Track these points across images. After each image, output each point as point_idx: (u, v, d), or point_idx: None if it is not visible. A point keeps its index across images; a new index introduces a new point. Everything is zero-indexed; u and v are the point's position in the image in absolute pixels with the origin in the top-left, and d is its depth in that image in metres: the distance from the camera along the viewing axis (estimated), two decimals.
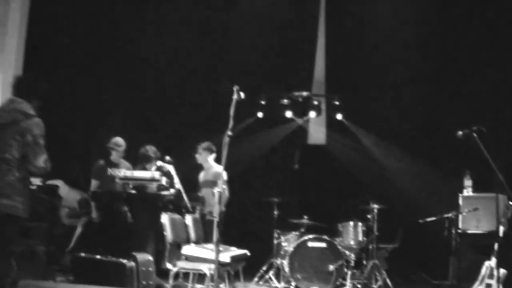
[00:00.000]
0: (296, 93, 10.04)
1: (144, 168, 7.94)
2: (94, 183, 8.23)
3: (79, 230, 8.22)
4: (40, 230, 7.77)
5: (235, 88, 5.20)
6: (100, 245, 7.17)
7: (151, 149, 7.95)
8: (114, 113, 9.73)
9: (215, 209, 5.13)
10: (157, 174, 7.30)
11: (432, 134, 9.60)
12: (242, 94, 5.26)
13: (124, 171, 7.50)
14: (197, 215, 7.62)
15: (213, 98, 9.78)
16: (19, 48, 8.83)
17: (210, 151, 8.31)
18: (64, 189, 8.63)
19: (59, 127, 8.25)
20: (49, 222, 7.98)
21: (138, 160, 7.99)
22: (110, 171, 7.68)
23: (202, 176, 8.47)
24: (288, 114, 10.26)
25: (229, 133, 5.00)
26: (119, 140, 8.21)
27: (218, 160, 7.99)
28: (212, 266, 5.39)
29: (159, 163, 7.90)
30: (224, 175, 7.37)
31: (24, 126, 4.86)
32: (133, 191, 7.65)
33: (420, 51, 9.87)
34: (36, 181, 7.68)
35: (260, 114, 10.19)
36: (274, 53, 10.18)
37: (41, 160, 4.87)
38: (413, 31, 9.92)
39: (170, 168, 7.70)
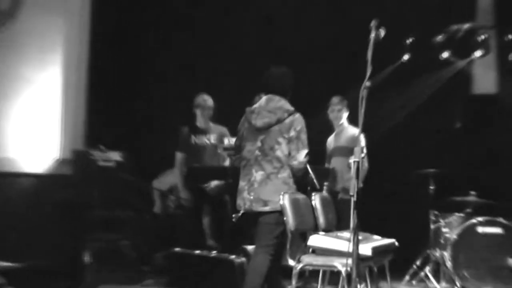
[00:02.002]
0: (455, 27, 9.56)
1: None
2: (179, 157, 7.96)
3: (206, 221, 8.19)
4: (126, 221, 7.97)
5: (373, 23, 4.86)
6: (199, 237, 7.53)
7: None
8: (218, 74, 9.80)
9: (351, 185, 4.77)
10: None
11: None
12: (382, 32, 4.88)
13: (229, 139, 7.33)
14: (326, 193, 7.27)
15: (345, 38, 9.39)
16: None
17: (345, 107, 8.09)
18: None
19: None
20: (136, 210, 8.17)
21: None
22: (195, 139, 7.84)
23: (332, 141, 8.29)
24: (445, 55, 9.91)
25: (367, 83, 4.66)
26: (204, 96, 7.99)
27: (353, 121, 7.94)
28: (349, 261, 4.99)
29: None
30: (362, 140, 7.32)
31: (288, 122, 5.83)
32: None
33: None
34: (113, 156, 7.93)
35: (406, 57, 9.90)
36: None
37: (303, 155, 5.81)
38: None
39: None
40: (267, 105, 5.89)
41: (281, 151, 5.81)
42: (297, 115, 5.86)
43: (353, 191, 4.74)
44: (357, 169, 4.80)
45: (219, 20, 9.86)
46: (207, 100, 7.95)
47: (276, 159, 5.81)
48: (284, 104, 5.89)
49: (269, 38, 9.90)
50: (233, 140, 6.95)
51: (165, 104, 9.51)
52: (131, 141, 8.81)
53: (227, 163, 7.71)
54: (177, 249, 6.98)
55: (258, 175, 5.82)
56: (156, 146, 9.26)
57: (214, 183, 7.74)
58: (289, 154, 5.84)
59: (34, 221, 7.88)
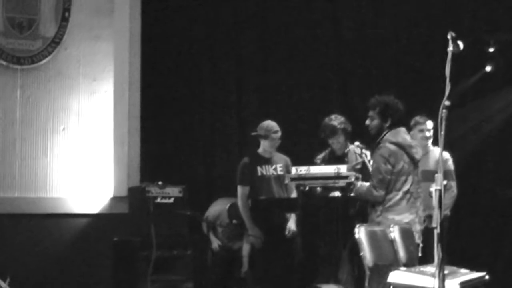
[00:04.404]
0: None
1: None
2: (241, 191, 7.92)
3: (246, 248, 8.19)
4: (185, 260, 7.88)
5: (450, 35, 4.81)
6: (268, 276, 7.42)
7: (338, 119, 7.65)
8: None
9: (434, 215, 4.69)
10: (343, 168, 6.91)
11: None
12: (460, 44, 4.82)
13: (297, 168, 7.18)
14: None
15: (421, 55, 9.44)
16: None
17: (432, 127, 8.04)
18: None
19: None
20: (196, 248, 8.10)
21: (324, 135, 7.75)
22: (261, 170, 7.81)
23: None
24: None
25: (446, 102, 4.59)
26: (271, 124, 7.89)
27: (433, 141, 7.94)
28: None
29: (352, 147, 7.58)
30: (451, 163, 7.55)
31: None
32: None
33: None
34: (171, 191, 7.86)
35: (489, 68, 9.80)
36: None
37: None
38: None
39: (365, 156, 7.33)
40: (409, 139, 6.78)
41: None
42: None
43: (436, 222, 4.72)
44: (440, 197, 4.76)
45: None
46: (277, 129, 7.91)
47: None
48: None
49: (337, 57, 9.93)
50: (301, 170, 7.13)
51: (228, 132, 9.52)
52: (191, 174, 8.86)
53: (294, 194, 7.77)
54: None
55: (421, 207, 6.60)
56: (216, 178, 9.31)
57: (292, 227, 7.82)
58: None
59: (88, 264, 8.07)
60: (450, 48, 4.83)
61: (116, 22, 8.62)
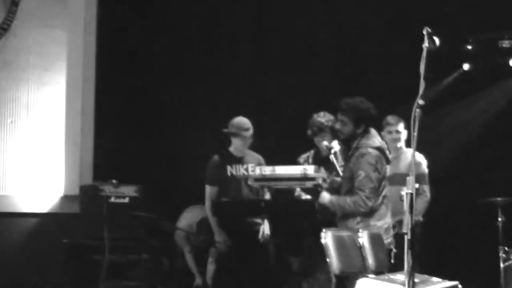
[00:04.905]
0: None
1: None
2: (210, 191, 7.84)
3: (210, 267, 8.18)
4: (141, 265, 7.88)
5: (426, 31, 4.82)
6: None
7: (326, 117, 7.55)
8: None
9: (404, 220, 4.62)
10: (311, 169, 6.82)
11: None
12: (436, 40, 4.81)
13: (261, 168, 7.09)
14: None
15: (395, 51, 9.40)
16: None
17: (403, 128, 7.96)
18: None
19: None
20: (152, 253, 8.06)
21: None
22: (231, 169, 7.65)
23: (388, 167, 7.93)
24: None
25: (420, 101, 4.57)
26: (243, 121, 7.81)
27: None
28: None
29: (335, 144, 7.43)
30: (425, 167, 7.57)
31: None
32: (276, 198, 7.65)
33: None
34: (126, 191, 7.83)
35: (466, 67, 9.81)
36: None
37: None
38: None
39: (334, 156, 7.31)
40: None
41: None
42: None
43: (406, 227, 4.62)
44: (411, 201, 4.68)
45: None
46: (248, 126, 7.86)
47: None
48: None
49: (308, 61, 9.95)
50: (265, 170, 7.03)
51: (187, 130, 9.50)
52: (147, 173, 8.76)
53: (267, 196, 7.70)
54: None
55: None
56: (177, 179, 9.25)
57: (266, 231, 7.81)
58: None
59: (35, 268, 7.91)
60: (426, 44, 4.82)
61: (70, 9, 8.61)
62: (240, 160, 7.83)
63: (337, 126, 6.68)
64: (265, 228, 7.78)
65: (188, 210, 8.63)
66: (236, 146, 7.84)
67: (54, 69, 8.41)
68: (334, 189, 6.96)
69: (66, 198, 8.20)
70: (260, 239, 7.74)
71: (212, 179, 7.84)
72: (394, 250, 6.86)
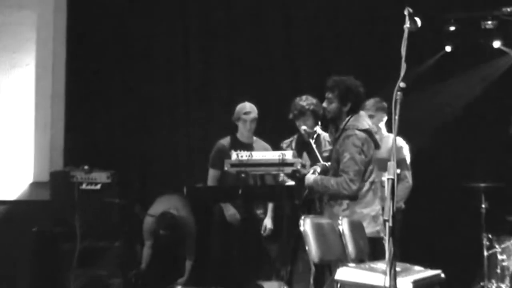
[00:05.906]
0: (508, 9, 9.25)
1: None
2: (211, 173, 8.00)
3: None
4: (113, 253, 7.84)
5: (407, 11, 4.77)
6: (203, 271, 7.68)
7: (308, 100, 7.56)
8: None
9: (386, 207, 4.54)
10: (289, 154, 6.82)
11: None
12: (418, 20, 4.78)
13: (238, 153, 7.01)
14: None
15: (372, 29, 9.41)
16: None
17: (384, 111, 8.02)
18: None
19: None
20: (125, 240, 8.07)
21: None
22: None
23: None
24: (496, 44, 9.61)
25: (401, 84, 4.51)
26: (244, 105, 7.90)
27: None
28: None
29: (322, 133, 7.57)
30: (406, 151, 7.60)
31: None
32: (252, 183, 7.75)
33: None
34: (98, 177, 7.82)
35: (448, 48, 9.71)
36: None
37: None
38: None
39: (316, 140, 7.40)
40: None
41: None
42: None
43: (388, 214, 4.57)
44: (392, 187, 4.60)
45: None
46: (248, 110, 7.93)
47: None
48: None
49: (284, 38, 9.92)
50: (242, 155, 6.98)
51: (162, 114, 9.49)
52: (120, 159, 8.74)
53: (271, 182, 7.78)
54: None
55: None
56: (151, 165, 9.23)
57: (269, 226, 7.90)
58: None
59: (4, 256, 7.87)
60: (407, 25, 4.77)
61: None
62: (247, 147, 7.83)
63: (324, 104, 6.61)
64: (268, 223, 7.87)
65: (159, 200, 8.59)
66: (241, 131, 7.95)
67: (23, 51, 8.41)
68: (324, 173, 6.96)
69: (35, 185, 8.19)
70: (263, 234, 7.84)
71: (215, 163, 7.95)
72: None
